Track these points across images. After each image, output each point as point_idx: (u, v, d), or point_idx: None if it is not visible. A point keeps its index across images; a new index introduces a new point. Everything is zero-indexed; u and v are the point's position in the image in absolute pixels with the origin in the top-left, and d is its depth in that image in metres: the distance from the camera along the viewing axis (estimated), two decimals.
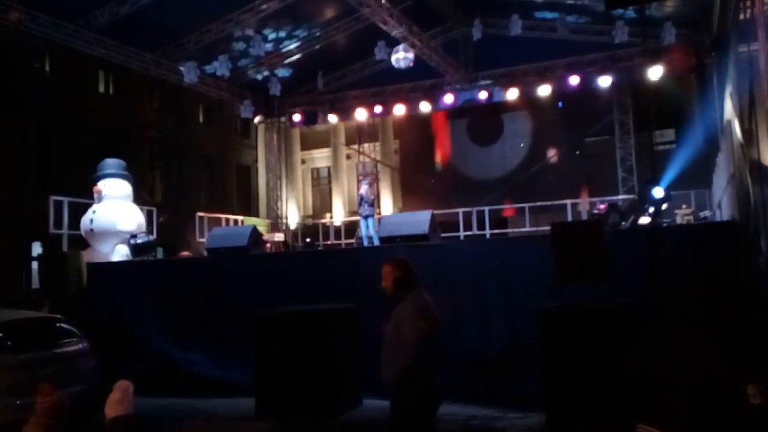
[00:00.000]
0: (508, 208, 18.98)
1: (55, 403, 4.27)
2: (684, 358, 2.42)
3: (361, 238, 15.44)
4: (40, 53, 13.35)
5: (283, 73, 18.58)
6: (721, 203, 12.03)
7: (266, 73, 18.47)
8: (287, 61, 18.20)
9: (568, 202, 17.15)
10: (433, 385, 4.39)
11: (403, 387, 4.35)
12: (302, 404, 8.07)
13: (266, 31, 16.36)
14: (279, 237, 18.31)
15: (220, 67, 17.06)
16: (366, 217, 14.39)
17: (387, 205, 27.51)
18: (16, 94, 10.91)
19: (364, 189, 15.04)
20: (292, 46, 17.69)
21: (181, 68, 16.07)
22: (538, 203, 17.50)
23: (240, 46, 16.69)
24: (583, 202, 17.43)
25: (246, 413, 8.44)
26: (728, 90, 11.19)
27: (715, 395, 2.39)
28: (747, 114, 9.78)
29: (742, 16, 9.42)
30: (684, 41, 15.06)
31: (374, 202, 14.94)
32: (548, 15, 16.01)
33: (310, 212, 31.55)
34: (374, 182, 20.30)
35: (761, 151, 8.29)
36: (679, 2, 13.64)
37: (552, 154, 20.59)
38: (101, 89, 25.94)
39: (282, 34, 16.90)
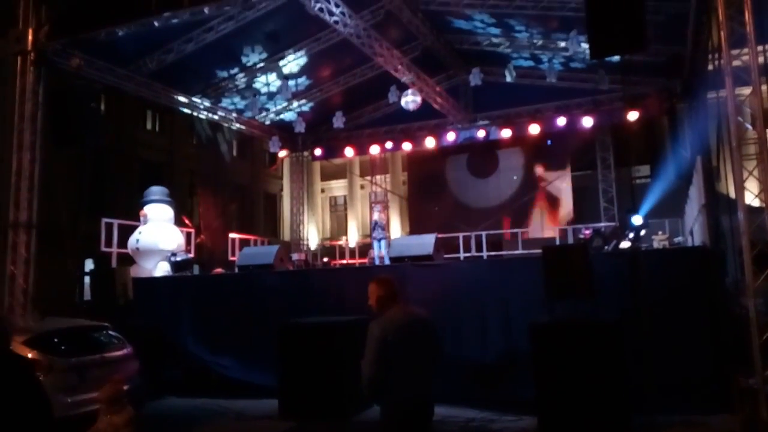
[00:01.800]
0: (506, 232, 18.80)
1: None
2: None
3: (373, 258, 15.40)
4: (96, 94, 13.46)
5: (306, 113, 18.69)
6: (693, 230, 11.92)
7: (292, 113, 18.60)
8: (311, 103, 18.33)
9: (556, 228, 17.06)
10: (412, 398, 3.92)
11: (374, 400, 4.06)
12: (320, 405, 7.99)
13: (293, 77, 16.49)
14: (299, 256, 18.26)
15: (252, 108, 17.21)
16: (379, 240, 14.38)
17: (396, 229, 27.46)
18: (75, 129, 11.00)
19: (376, 215, 15.06)
20: (316, 90, 17.83)
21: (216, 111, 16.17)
22: (530, 229, 17.42)
23: (270, 89, 16.82)
24: None
25: (270, 413, 8.36)
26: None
27: None
28: (715, 153, 9.75)
29: (710, 67, 9.42)
30: (658, 88, 15.06)
31: (385, 227, 14.93)
32: (538, 63, 16.05)
33: (328, 235, 31.55)
34: (385, 209, 20.23)
35: (728, 185, 8.23)
36: (654, 53, 13.63)
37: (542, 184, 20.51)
38: (148, 126, 26.25)
39: (307, 79, 17.04)
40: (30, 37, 11.04)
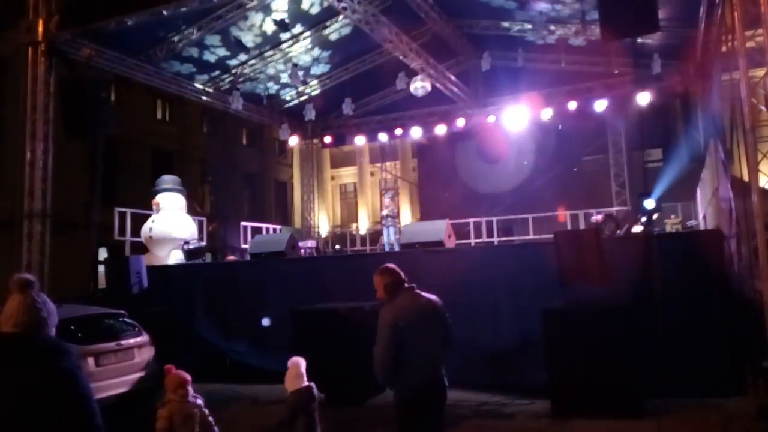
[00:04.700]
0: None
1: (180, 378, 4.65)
2: None
3: (383, 245, 15.44)
4: (107, 84, 13.54)
5: (316, 100, 18.65)
6: (706, 214, 11.83)
7: (302, 100, 18.57)
8: (320, 89, 18.29)
9: (568, 213, 17.00)
10: (425, 382, 3.96)
11: (387, 384, 4.10)
12: (333, 390, 8.01)
13: (303, 64, 16.45)
14: (311, 243, 18.32)
15: (261, 95, 17.18)
16: (388, 227, 14.47)
17: (406, 215, 27.46)
18: (87, 120, 11.06)
19: (386, 201, 15.13)
20: (325, 77, 17.79)
21: (233, 98, 16.14)
22: (541, 214, 17.35)
23: (280, 77, 16.80)
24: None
25: (284, 398, 8.39)
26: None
27: None
28: (729, 135, 9.64)
29: (724, 48, 9.29)
30: (671, 70, 14.87)
31: (397, 214, 15.03)
32: (549, 45, 15.84)
33: (339, 222, 31.65)
34: (395, 196, 20.25)
35: (741, 168, 8.14)
36: (666, 35, 13.46)
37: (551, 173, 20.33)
38: (159, 116, 26.34)
39: (316, 66, 17.00)
40: (40, 28, 11.08)
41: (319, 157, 27.32)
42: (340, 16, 14.01)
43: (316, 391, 5.32)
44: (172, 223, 13.45)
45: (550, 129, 19.22)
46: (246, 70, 15.96)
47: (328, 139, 20.97)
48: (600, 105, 16.61)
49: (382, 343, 3.91)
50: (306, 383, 5.25)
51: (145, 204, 14.38)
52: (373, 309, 8.35)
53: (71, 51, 11.60)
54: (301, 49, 15.74)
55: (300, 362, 5.38)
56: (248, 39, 14.60)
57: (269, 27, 14.29)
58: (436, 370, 4.05)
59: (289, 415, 5.09)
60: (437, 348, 4.07)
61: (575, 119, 18.17)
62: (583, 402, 6.81)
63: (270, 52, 15.54)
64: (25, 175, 11.14)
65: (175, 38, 13.42)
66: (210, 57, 14.80)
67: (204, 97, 16.28)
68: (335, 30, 15.23)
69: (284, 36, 14.99)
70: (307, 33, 15.24)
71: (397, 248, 13.92)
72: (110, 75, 13.80)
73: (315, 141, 21.57)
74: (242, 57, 15.41)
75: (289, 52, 15.69)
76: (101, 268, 11.88)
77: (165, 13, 11.33)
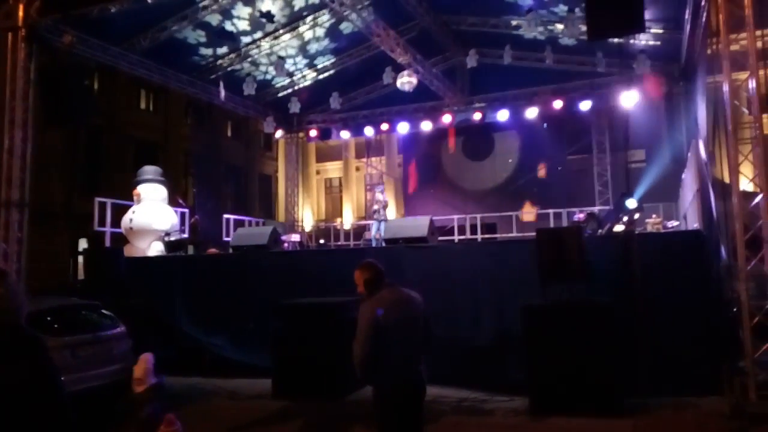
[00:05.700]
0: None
1: None
2: None
3: (370, 239, 15.45)
4: (89, 73, 13.30)
5: (302, 93, 18.51)
6: (687, 215, 11.95)
7: (287, 93, 18.43)
8: (306, 82, 18.17)
9: (551, 211, 17.10)
10: (404, 378, 3.97)
11: (366, 380, 4.10)
12: (313, 385, 8.03)
13: (289, 57, 16.33)
14: (295, 237, 18.23)
15: (247, 87, 17.00)
16: (380, 221, 14.55)
17: (390, 211, 27.40)
18: (68, 108, 10.87)
19: (378, 195, 15.19)
20: (311, 70, 17.67)
21: (220, 89, 15.92)
22: (525, 212, 17.44)
23: (265, 69, 16.65)
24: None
25: (264, 392, 8.40)
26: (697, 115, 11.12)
27: None
28: (711, 137, 9.72)
29: (708, 51, 9.36)
30: (656, 71, 14.98)
31: (387, 207, 15.14)
32: (536, 44, 15.86)
33: (323, 217, 31.56)
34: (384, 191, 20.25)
35: (723, 169, 8.22)
36: (652, 37, 13.56)
37: (539, 168, 20.42)
38: (143, 106, 26.07)
39: (303, 59, 16.88)
40: (21, 13, 10.86)
41: (305, 151, 27.21)
42: None
43: (163, 383, 5.04)
44: (152, 214, 13.30)
45: (535, 127, 19.30)
46: (233, 61, 15.74)
47: (313, 133, 20.84)
48: (585, 105, 16.69)
49: (361, 339, 3.90)
50: (155, 380, 4.90)
51: (126, 195, 14.21)
52: (355, 304, 8.32)
53: (52, 38, 11.38)
54: (288, 40, 15.57)
55: (149, 358, 4.97)
56: (234, 30, 14.40)
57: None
58: (415, 366, 4.06)
59: (142, 411, 4.73)
60: (416, 344, 4.07)
61: (561, 118, 18.27)
62: (562, 399, 6.86)
63: (258, 44, 15.34)
64: (2, 163, 10.94)
65: (160, 27, 13.21)
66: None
67: (189, 89, 16.09)
68: (322, 22, 15.08)
69: (270, 27, 14.76)
70: (294, 24, 15.01)
71: (374, 244, 14.10)
72: (93, 63, 13.58)
73: (300, 134, 21.45)
74: (227, 48, 15.18)
75: (274, 44, 15.52)
76: (80, 258, 11.74)
77: (149, 1, 11.17)
